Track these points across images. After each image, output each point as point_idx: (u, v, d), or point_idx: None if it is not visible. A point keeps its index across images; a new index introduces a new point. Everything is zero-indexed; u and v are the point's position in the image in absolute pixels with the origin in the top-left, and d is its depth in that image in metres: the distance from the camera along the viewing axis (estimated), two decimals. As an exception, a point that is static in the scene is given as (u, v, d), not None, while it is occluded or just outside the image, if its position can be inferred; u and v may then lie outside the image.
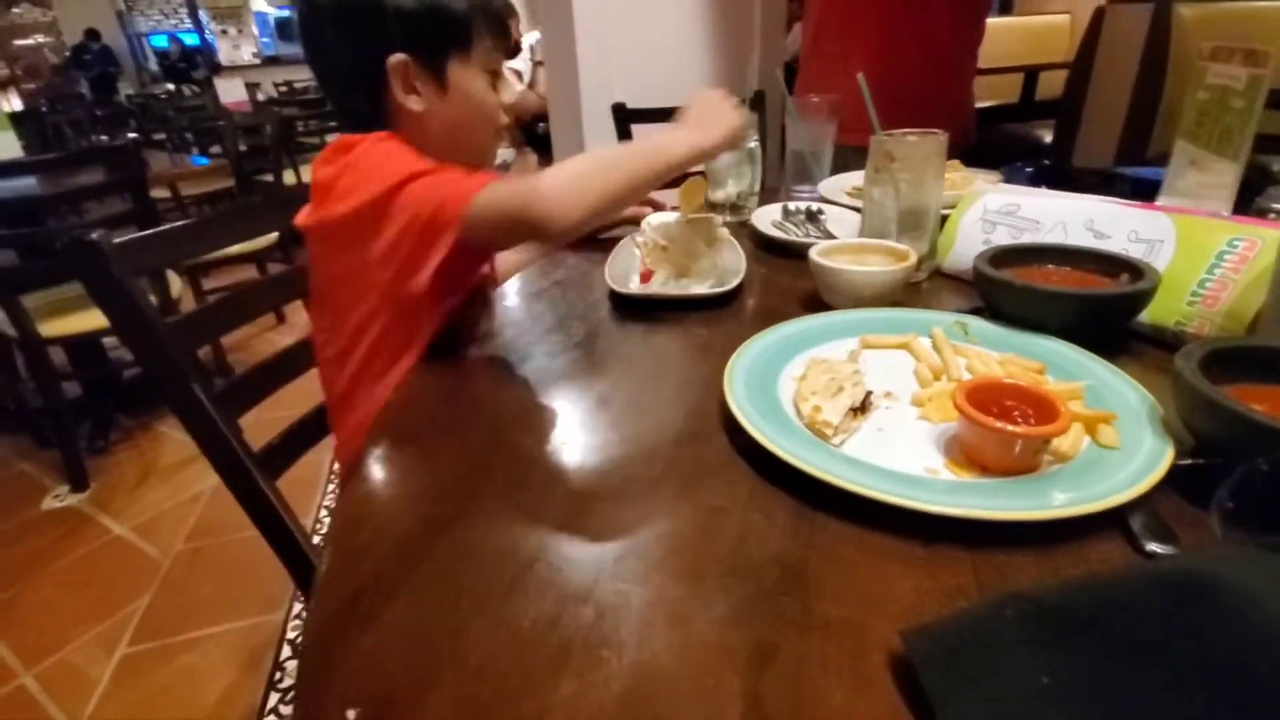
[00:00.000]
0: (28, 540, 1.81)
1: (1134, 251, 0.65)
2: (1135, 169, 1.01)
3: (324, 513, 1.83)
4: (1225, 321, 0.58)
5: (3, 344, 2.08)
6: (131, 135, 2.16)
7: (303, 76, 7.29)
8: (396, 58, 0.76)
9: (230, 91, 6.28)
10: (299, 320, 3.03)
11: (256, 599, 1.54)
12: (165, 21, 9.90)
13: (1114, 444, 0.45)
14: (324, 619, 0.37)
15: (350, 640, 0.35)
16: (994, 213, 0.78)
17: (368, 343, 0.76)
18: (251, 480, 0.73)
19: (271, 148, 2.95)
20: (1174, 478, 0.42)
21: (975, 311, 0.66)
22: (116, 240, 0.67)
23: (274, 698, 1.31)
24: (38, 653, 1.46)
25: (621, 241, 0.92)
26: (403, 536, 0.43)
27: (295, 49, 10.24)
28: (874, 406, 0.52)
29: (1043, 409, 0.45)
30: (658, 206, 1.04)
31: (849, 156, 1.21)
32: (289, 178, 3.19)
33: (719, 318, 0.74)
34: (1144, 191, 0.85)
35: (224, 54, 10.04)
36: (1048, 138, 2.51)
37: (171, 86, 8.23)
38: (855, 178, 1.10)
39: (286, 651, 1.41)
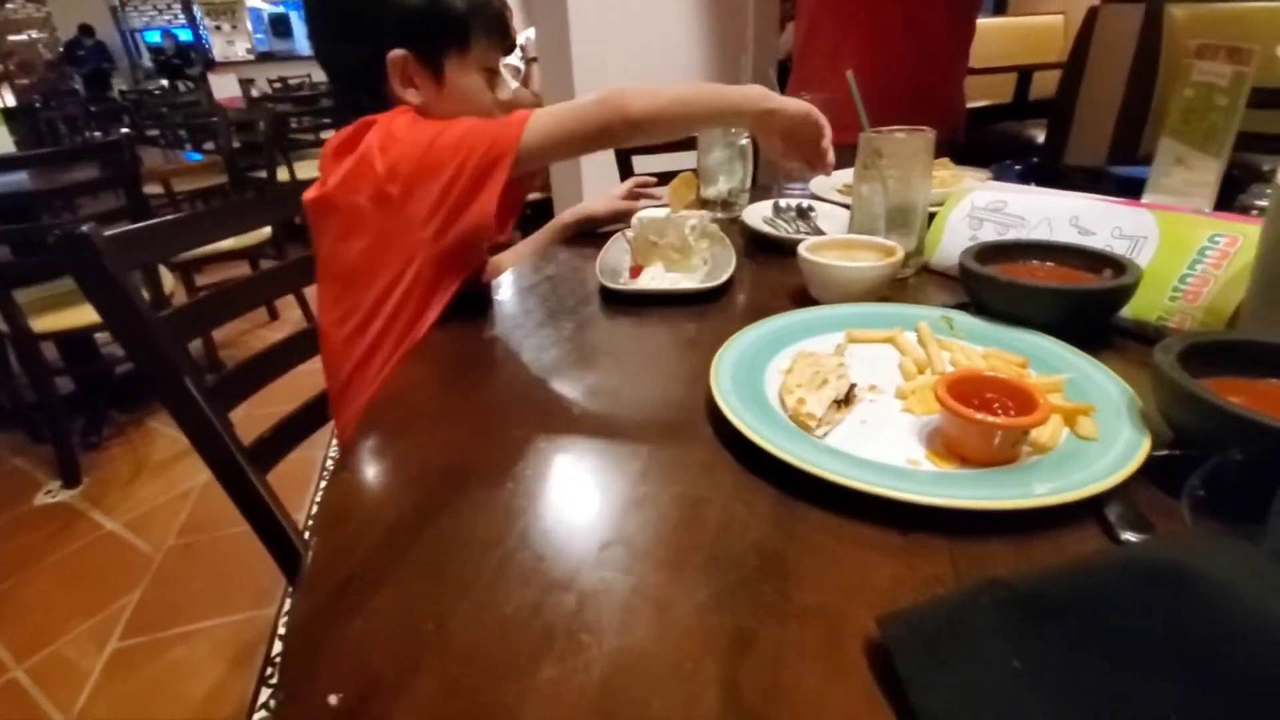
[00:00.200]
0: (20, 536, 1.81)
1: (1118, 248, 0.66)
2: (1125, 168, 1.02)
3: (315, 509, 1.84)
4: (1206, 317, 0.58)
5: (-5, 340, 2.07)
6: (124, 130, 2.15)
7: (297, 73, 7.27)
8: (396, 53, 0.79)
9: (224, 87, 6.28)
10: (292, 316, 3.02)
11: (248, 594, 1.55)
12: (159, 17, 9.86)
13: (1092, 435, 0.46)
14: (310, 607, 0.38)
15: (335, 628, 0.35)
16: (981, 209, 0.79)
17: (385, 315, 0.77)
18: (242, 474, 0.73)
19: (265, 144, 2.94)
20: (1151, 469, 0.42)
21: (961, 307, 0.66)
22: (108, 233, 0.67)
23: (265, 692, 1.31)
24: (29, 647, 1.46)
25: (613, 237, 0.92)
26: (390, 526, 0.43)
27: (289, 45, 10.22)
28: (858, 399, 0.53)
29: (1022, 401, 0.45)
30: (649, 199, 1.05)
31: (840, 155, 1.21)
32: (282, 174, 3.18)
33: (708, 312, 0.75)
34: (1131, 190, 0.86)
35: (218, 50, 10.00)
36: (1041, 137, 2.53)
37: (166, 82, 8.20)
38: (846, 175, 1.10)
39: (278, 646, 1.41)
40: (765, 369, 0.58)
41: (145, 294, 1.70)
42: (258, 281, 0.97)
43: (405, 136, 0.74)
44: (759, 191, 1.17)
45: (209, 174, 3.11)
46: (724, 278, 0.77)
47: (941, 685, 0.30)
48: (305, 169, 3.53)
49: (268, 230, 2.59)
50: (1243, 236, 0.59)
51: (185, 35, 9.88)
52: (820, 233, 0.96)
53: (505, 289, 0.87)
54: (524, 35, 3.39)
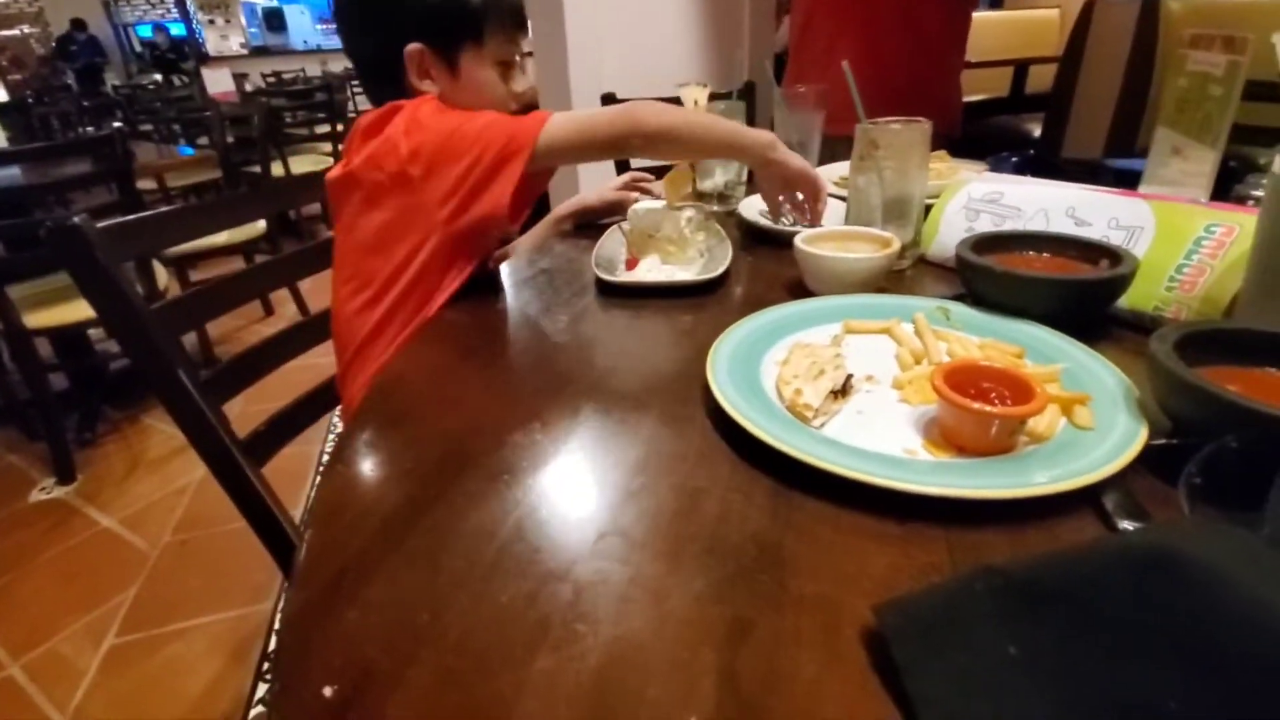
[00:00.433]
0: (15, 533, 1.81)
1: (1114, 238, 0.66)
2: (1121, 160, 1.02)
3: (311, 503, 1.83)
4: (1202, 306, 0.58)
5: (-12, 336, 2.06)
6: (116, 125, 2.13)
7: (291, 67, 7.24)
8: (413, 47, 0.82)
9: (218, 82, 6.25)
10: (287, 312, 3.02)
11: (244, 590, 1.54)
12: (152, 11, 9.81)
13: (1089, 425, 0.46)
14: (304, 599, 0.37)
15: (330, 619, 0.35)
16: (977, 200, 0.78)
17: (399, 289, 0.79)
18: (238, 468, 0.73)
19: (259, 139, 2.92)
20: (1148, 458, 0.42)
21: (958, 298, 0.66)
22: (100, 225, 0.67)
23: (262, 688, 1.31)
24: (25, 644, 1.45)
25: (609, 230, 0.92)
26: (385, 518, 0.43)
27: (283, 39, 10.18)
28: (855, 390, 0.53)
29: (1019, 391, 0.45)
30: (645, 193, 1.05)
31: (837, 147, 1.21)
32: (276, 169, 3.17)
33: (704, 304, 0.74)
34: (1128, 182, 0.86)
35: (211, 44, 9.96)
36: (1037, 130, 2.52)
37: (159, 77, 8.15)
38: (843, 168, 1.10)
39: (275, 642, 1.41)
40: (762, 360, 0.57)
41: (139, 289, 1.69)
42: (252, 275, 0.97)
43: (430, 123, 0.77)
44: (754, 185, 1.16)
45: (203, 169, 3.10)
46: (720, 270, 0.77)
47: (937, 672, 0.30)
48: (299, 163, 3.52)
49: (262, 225, 2.58)
50: (1239, 226, 0.59)
51: (178, 29, 9.84)
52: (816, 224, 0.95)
53: (501, 281, 0.86)
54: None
